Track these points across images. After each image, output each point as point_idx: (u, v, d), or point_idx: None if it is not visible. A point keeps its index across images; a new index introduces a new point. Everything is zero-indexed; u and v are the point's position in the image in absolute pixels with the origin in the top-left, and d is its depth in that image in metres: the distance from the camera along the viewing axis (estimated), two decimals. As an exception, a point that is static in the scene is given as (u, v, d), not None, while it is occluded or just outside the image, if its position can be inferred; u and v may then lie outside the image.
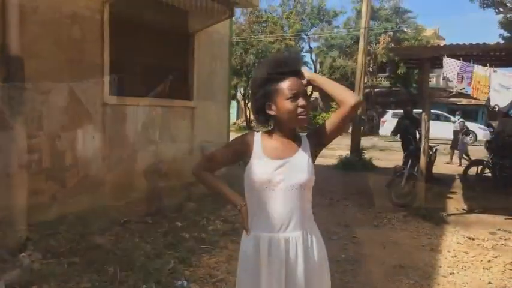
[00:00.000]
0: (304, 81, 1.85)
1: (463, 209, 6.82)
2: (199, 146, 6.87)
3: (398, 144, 17.53)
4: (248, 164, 1.91)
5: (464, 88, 5.96)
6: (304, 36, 30.94)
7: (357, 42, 27.31)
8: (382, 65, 28.03)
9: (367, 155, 12.34)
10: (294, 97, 1.80)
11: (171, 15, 6.28)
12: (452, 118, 17.90)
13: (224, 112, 7.66)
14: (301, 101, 1.80)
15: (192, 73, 6.70)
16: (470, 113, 28.48)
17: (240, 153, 1.94)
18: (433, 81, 28.47)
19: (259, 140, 1.93)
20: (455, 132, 13.41)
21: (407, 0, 68.89)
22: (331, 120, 1.89)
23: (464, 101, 28.23)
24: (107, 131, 5.17)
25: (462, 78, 5.60)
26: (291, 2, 30.87)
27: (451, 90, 29.81)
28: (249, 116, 34.93)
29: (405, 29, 27.27)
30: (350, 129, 16.24)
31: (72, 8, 4.66)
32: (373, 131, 27.77)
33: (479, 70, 5.47)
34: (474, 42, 5.89)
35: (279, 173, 1.83)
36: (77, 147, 4.79)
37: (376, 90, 28.83)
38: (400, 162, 8.34)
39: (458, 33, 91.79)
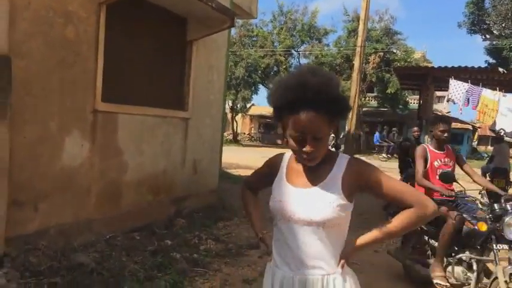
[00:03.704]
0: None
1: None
2: (191, 159, 6.56)
3: (385, 164, 17.48)
4: (272, 188, 1.70)
5: (449, 112, 5.84)
6: (294, 53, 31.07)
7: (347, 61, 27.60)
8: (371, 84, 28.24)
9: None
10: (298, 138, 1.50)
11: (170, 21, 6.03)
12: None
13: (218, 125, 7.38)
14: (305, 147, 1.50)
15: (188, 83, 6.41)
16: (456, 136, 28.75)
17: (269, 175, 1.75)
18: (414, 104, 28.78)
19: (286, 161, 1.72)
20: None
21: (398, 22, 69.60)
22: (395, 194, 1.56)
23: (450, 124, 28.55)
24: (97, 140, 4.83)
25: (468, 100, 5.45)
26: (282, 18, 31.02)
27: (438, 113, 30.19)
28: (236, 129, 34.74)
29: (395, 50, 27.54)
30: (342, 148, 16.36)
31: (67, 7, 4.35)
32: (360, 149, 27.79)
33: (487, 94, 5.32)
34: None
35: (296, 204, 1.57)
36: (63, 155, 4.44)
37: (364, 109, 28.96)
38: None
39: (444, 57, 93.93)
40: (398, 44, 28.06)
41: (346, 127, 12.23)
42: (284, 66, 29.42)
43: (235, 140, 32.93)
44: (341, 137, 24.41)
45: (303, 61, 31.59)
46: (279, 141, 34.02)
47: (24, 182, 4.03)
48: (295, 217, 1.56)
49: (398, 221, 1.57)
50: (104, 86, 4.84)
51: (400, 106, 29.08)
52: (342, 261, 1.58)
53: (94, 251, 4.47)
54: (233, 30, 29.59)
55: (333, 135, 19.90)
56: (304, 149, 1.50)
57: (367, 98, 30.90)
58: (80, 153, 4.64)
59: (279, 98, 1.51)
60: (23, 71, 3.92)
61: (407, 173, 7.42)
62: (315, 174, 1.59)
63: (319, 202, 1.54)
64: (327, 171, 1.58)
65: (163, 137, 5.93)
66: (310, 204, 1.55)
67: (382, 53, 26.17)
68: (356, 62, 12.31)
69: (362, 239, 1.61)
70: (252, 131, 41.00)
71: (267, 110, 39.35)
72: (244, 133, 40.14)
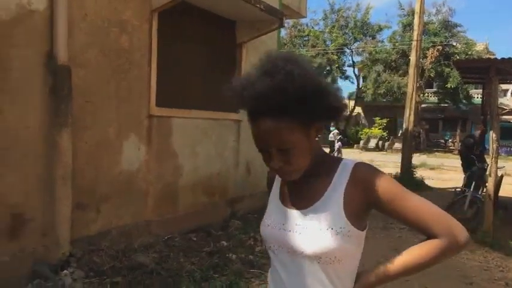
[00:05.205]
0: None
1: (535, 238, 6.15)
2: (244, 161, 6.59)
3: (450, 162, 16.68)
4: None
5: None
6: (347, 50, 30.52)
7: (402, 56, 26.69)
8: (430, 80, 27.13)
9: (417, 173, 11.68)
10: (262, 151, 1.17)
11: (219, 25, 6.10)
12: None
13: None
14: (272, 162, 1.15)
15: (239, 85, 6.45)
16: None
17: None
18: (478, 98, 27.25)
19: None
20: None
21: (457, 14, 65.79)
22: (416, 218, 1.14)
23: (518, 118, 26.75)
24: (153, 144, 4.97)
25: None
26: (334, 16, 30.58)
27: (504, 107, 28.38)
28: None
29: (454, 43, 26.27)
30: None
31: (121, 16, 4.52)
32: (419, 147, 26.76)
33: (559, 83, 4.91)
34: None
35: (286, 231, 1.21)
36: (121, 159, 4.61)
37: (423, 106, 27.87)
38: (454, 183, 7.73)
39: (509, 48, 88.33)
40: (458, 36, 26.75)
41: (404, 124, 11.75)
42: (337, 65, 29.00)
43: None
44: (399, 135, 23.61)
45: (356, 59, 30.99)
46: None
47: (86, 185, 4.22)
48: (286, 247, 1.20)
49: (424, 256, 1.16)
50: (158, 91, 4.98)
51: (464, 101, 27.67)
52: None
53: (153, 251, 4.59)
54: (284, 31, 29.62)
55: (336, 131, 19.44)
56: (271, 165, 1.16)
57: (426, 94, 29.72)
58: (137, 157, 4.79)
59: (238, 98, 1.13)
60: (81, 80, 4.11)
61: (471, 171, 7.01)
62: (311, 190, 1.21)
63: (313, 229, 1.16)
64: (324, 186, 1.19)
65: (216, 139, 6.00)
66: (302, 231, 1.18)
67: (440, 47, 25.05)
68: (412, 57, 11.83)
69: (378, 277, 1.20)
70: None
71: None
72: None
